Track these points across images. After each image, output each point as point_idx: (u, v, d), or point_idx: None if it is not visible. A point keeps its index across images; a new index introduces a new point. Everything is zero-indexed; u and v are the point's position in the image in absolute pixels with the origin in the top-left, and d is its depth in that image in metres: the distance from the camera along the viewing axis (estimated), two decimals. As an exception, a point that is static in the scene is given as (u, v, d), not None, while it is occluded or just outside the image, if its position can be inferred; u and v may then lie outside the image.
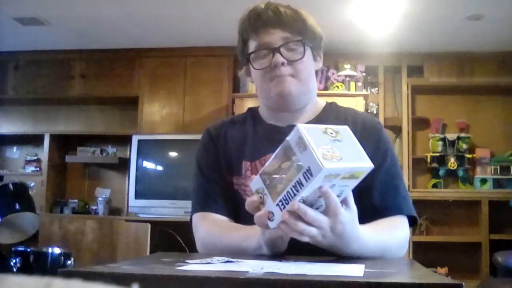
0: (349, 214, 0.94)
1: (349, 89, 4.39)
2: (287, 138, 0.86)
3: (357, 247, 0.99)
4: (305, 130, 0.84)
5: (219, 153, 1.30)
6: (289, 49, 1.20)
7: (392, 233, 1.16)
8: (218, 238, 1.19)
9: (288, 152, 0.85)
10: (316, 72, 1.30)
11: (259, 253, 1.05)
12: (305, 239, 0.90)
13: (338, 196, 0.90)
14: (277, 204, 0.87)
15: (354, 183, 0.91)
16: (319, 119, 1.28)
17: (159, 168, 4.67)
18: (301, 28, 1.21)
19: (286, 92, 1.21)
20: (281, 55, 1.19)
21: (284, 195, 0.86)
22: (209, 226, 1.23)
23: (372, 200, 1.17)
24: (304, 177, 0.83)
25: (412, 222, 1.23)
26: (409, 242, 1.26)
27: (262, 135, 1.29)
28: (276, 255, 1.00)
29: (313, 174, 0.82)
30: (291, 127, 1.24)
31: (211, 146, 1.32)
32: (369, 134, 1.21)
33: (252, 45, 1.23)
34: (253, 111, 1.36)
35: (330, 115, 1.29)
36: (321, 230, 0.90)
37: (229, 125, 1.34)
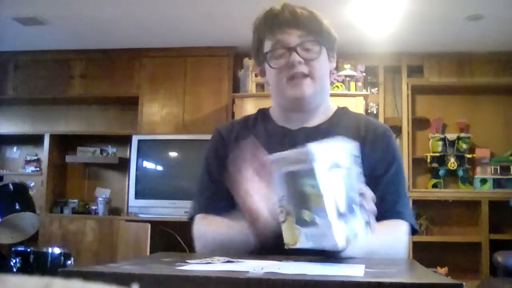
0: None
1: (349, 89, 4.39)
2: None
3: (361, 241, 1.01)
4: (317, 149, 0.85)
5: (228, 153, 1.30)
6: (305, 49, 1.21)
7: (391, 233, 1.17)
8: (211, 236, 1.21)
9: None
10: (330, 72, 1.32)
11: (247, 247, 1.06)
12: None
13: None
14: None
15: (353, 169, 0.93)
16: (330, 122, 1.30)
17: (159, 168, 4.67)
18: (317, 29, 1.22)
19: (301, 95, 1.23)
20: (298, 54, 1.20)
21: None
22: (206, 225, 1.24)
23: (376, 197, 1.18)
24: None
25: (412, 232, 1.24)
26: (409, 242, 1.28)
27: (273, 137, 1.29)
28: (277, 256, 1.00)
29: (357, 152, 0.94)
30: (302, 130, 1.25)
31: (220, 146, 1.32)
32: (379, 142, 1.24)
33: (268, 45, 1.24)
34: (263, 112, 1.37)
35: (342, 119, 1.31)
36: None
37: (239, 126, 1.35)
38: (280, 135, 1.28)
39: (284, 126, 1.30)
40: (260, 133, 1.31)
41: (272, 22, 1.22)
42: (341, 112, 1.34)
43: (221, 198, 1.24)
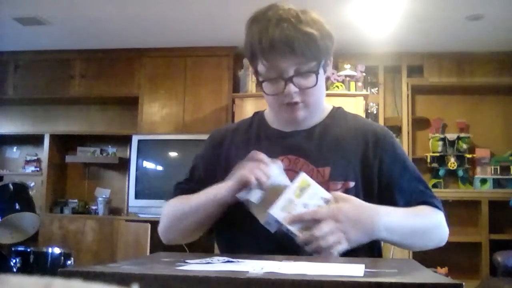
0: (343, 203, 1.07)
1: (349, 89, 4.38)
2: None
3: (387, 218, 1.10)
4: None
5: (218, 158, 1.31)
6: (302, 76, 1.18)
7: (425, 212, 1.23)
8: (177, 205, 1.28)
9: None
10: (327, 77, 1.32)
11: (222, 201, 1.14)
12: (341, 246, 1.04)
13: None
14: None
15: (314, 193, 1.09)
16: (325, 123, 1.29)
17: (159, 168, 4.67)
18: (315, 53, 1.17)
19: (295, 119, 1.23)
20: (294, 84, 1.17)
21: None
22: (176, 199, 1.30)
23: (399, 202, 1.21)
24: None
25: None
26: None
27: (265, 139, 1.29)
28: (277, 255, 1.00)
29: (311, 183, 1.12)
30: (296, 132, 1.26)
31: (209, 151, 1.35)
32: (383, 146, 1.25)
33: (262, 68, 1.20)
34: (258, 116, 1.37)
35: (337, 120, 1.30)
36: (327, 225, 1.02)
37: (233, 131, 1.36)
38: (274, 137, 1.28)
39: (278, 128, 1.30)
40: (253, 136, 1.31)
41: (267, 49, 1.15)
42: (336, 112, 1.33)
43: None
